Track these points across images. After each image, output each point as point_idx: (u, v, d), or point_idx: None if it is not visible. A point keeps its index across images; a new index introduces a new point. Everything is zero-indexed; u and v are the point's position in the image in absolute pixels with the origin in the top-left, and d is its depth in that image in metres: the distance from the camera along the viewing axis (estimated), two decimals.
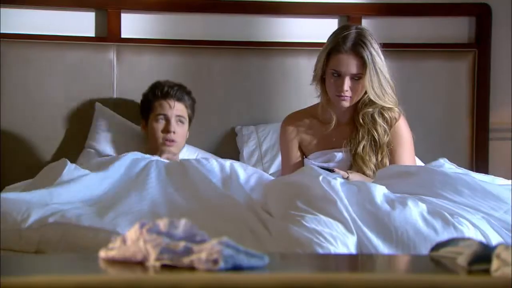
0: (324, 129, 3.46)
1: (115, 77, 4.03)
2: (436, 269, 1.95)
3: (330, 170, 3.17)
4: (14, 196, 2.98)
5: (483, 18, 4.27)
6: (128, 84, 4.04)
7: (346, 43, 3.32)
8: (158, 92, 3.77)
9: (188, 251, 1.74)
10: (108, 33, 4.09)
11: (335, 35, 3.37)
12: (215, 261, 1.71)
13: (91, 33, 4.12)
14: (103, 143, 3.89)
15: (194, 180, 3.18)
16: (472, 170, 3.79)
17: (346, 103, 3.36)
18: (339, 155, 3.43)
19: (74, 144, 3.95)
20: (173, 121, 3.74)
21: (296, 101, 3.95)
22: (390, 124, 3.41)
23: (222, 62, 4.12)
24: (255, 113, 4.12)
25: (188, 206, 3.01)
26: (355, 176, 3.28)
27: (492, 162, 4.24)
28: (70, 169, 3.23)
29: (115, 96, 4.03)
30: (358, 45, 3.31)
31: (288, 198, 2.79)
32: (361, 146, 3.38)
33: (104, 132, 3.91)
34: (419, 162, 3.71)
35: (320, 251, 2.55)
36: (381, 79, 3.32)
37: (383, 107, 3.38)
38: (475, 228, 2.69)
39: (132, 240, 1.81)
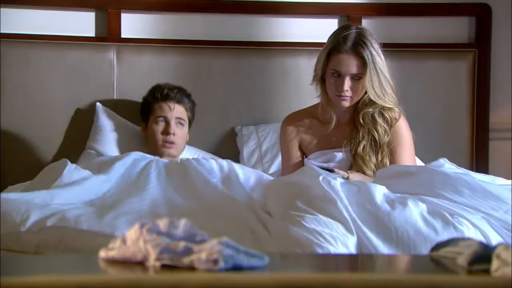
0: (324, 129, 3.46)
1: (115, 77, 4.03)
2: (436, 269, 1.95)
3: (330, 170, 3.17)
4: (14, 196, 2.98)
5: (483, 18, 4.27)
6: (128, 84, 4.04)
7: (346, 43, 3.32)
8: (158, 95, 3.78)
9: (188, 251, 1.74)
10: (108, 33, 4.09)
11: (335, 35, 3.37)
12: (215, 261, 1.71)
13: (91, 33, 4.12)
14: (104, 144, 3.89)
15: (194, 180, 3.18)
16: (472, 170, 3.79)
17: (346, 103, 3.36)
18: (339, 155, 3.43)
19: (75, 145, 3.95)
20: (172, 123, 3.75)
21: (296, 101, 3.95)
22: (390, 124, 3.41)
23: (222, 62, 4.12)
24: (255, 113, 4.12)
25: (188, 206, 3.01)
26: (355, 176, 3.28)
27: (492, 162, 4.24)
28: (71, 169, 3.23)
29: (115, 95, 4.03)
30: (359, 45, 3.31)
31: (288, 198, 2.79)
32: (361, 146, 3.38)
33: (104, 133, 3.90)
34: (419, 162, 3.71)
35: (320, 251, 2.55)
36: (381, 79, 3.32)
37: (383, 107, 3.38)
38: (475, 228, 2.69)
39: (132, 240, 1.81)
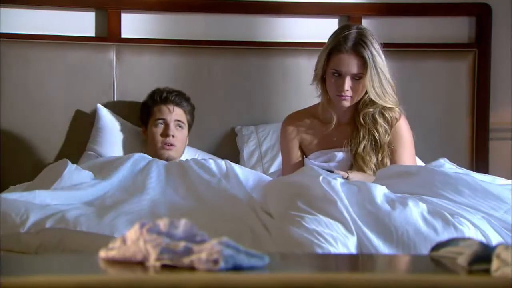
0: (325, 129, 3.46)
1: (115, 77, 4.03)
2: (436, 269, 1.95)
3: (330, 171, 3.17)
4: (14, 196, 2.98)
5: (483, 18, 4.27)
6: (128, 84, 4.04)
7: (347, 43, 3.31)
8: (157, 98, 3.81)
9: (188, 251, 1.74)
10: (108, 33, 4.09)
11: (335, 35, 3.37)
12: (215, 261, 1.71)
13: (91, 33, 4.12)
14: (104, 145, 3.89)
15: (194, 180, 3.18)
16: (472, 170, 3.78)
17: (347, 103, 3.36)
18: (339, 155, 3.43)
19: (75, 145, 3.95)
20: (172, 125, 3.77)
21: (296, 101, 3.95)
22: (391, 124, 3.41)
23: (222, 62, 4.12)
24: (255, 113, 4.12)
25: (188, 206, 3.01)
26: (355, 176, 3.27)
27: (492, 162, 4.25)
28: (71, 169, 3.24)
29: (115, 96, 4.03)
30: (359, 45, 3.31)
31: (288, 198, 2.79)
32: (361, 146, 3.38)
33: (105, 134, 3.91)
34: (419, 162, 3.71)
35: (320, 252, 2.55)
36: (382, 79, 3.32)
37: (383, 107, 3.38)
38: (476, 228, 2.69)
39: (132, 240, 1.81)
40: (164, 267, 1.75)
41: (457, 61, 4.24)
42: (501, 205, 2.80)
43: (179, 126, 3.80)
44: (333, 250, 2.56)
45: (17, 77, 3.95)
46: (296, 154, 3.52)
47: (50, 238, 2.71)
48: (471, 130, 4.22)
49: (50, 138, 3.95)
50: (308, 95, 3.64)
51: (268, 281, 1.67)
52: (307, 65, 3.80)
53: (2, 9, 3.99)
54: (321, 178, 2.80)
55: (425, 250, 2.55)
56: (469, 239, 2.06)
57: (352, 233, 2.63)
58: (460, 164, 3.47)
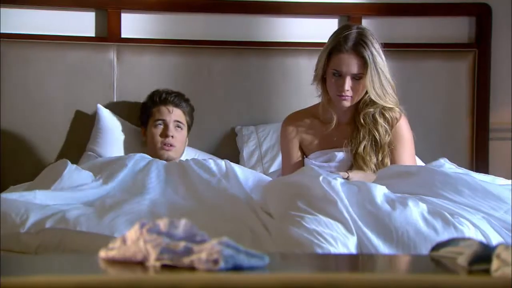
0: (325, 129, 3.46)
1: (115, 77, 4.03)
2: (437, 269, 1.95)
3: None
4: (14, 196, 2.98)
5: (483, 18, 4.27)
6: (128, 84, 4.04)
7: (347, 43, 3.31)
8: (157, 99, 3.82)
9: (188, 251, 1.74)
10: (108, 33, 4.09)
11: (336, 35, 3.37)
12: (215, 261, 1.70)
13: (91, 33, 4.12)
14: (104, 146, 3.89)
15: (194, 180, 3.18)
16: (472, 170, 3.78)
17: (347, 103, 3.35)
18: (339, 154, 3.42)
19: (75, 145, 3.95)
20: (171, 126, 3.78)
21: (296, 101, 3.95)
22: (391, 124, 3.41)
23: (222, 62, 4.12)
24: (255, 113, 4.12)
25: (188, 206, 3.01)
26: (355, 175, 3.27)
27: (492, 162, 4.25)
28: (71, 169, 3.24)
29: (115, 96, 4.03)
30: (359, 45, 3.31)
31: (288, 198, 2.79)
32: (362, 146, 3.38)
33: (105, 135, 3.91)
34: (419, 162, 3.71)
35: (320, 252, 2.55)
36: (382, 79, 3.32)
37: (384, 107, 3.38)
38: (476, 228, 2.69)
39: (132, 240, 1.81)
40: (164, 267, 1.75)
41: (457, 61, 4.24)
42: (501, 205, 2.80)
43: (179, 126, 3.81)
44: (333, 250, 2.56)
45: (17, 77, 3.95)
46: (296, 154, 3.51)
47: (50, 238, 2.71)
48: (471, 130, 4.22)
49: (50, 138, 3.95)
50: (308, 95, 3.64)
51: (268, 281, 1.67)
52: (307, 65, 3.80)
53: (2, 9, 3.99)
54: (321, 178, 2.80)
55: (425, 250, 2.55)
56: (469, 239, 2.06)
57: (352, 233, 2.63)
58: (460, 164, 3.46)
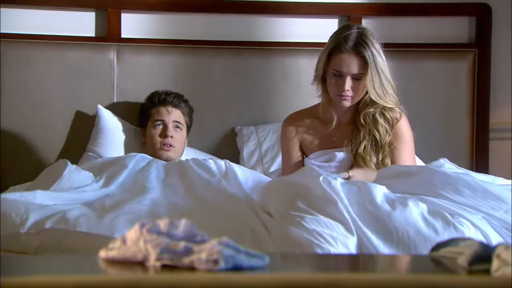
0: (325, 129, 3.46)
1: (115, 77, 4.03)
2: (437, 269, 1.95)
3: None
4: (14, 196, 2.98)
5: (483, 18, 4.27)
6: (128, 84, 4.04)
7: (347, 43, 3.31)
8: (156, 100, 3.84)
9: (188, 251, 1.74)
10: (108, 33, 4.09)
11: (336, 35, 3.37)
12: (215, 261, 1.70)
13: (91, 33, 4.12)
14: (104, 147, 3.89)
15: (193, 180, 3.18)
16: (472, 170, 3.78)
17: (347, 103, 3.35)
18: (340, 154, 3.42)
19: (76, 146, 3.95)
20: (170, 126, 3.78)
21: (296, 101, 3.95)
22: (392, 124, 3.41)
23: (222, 62, 4.12)
24: (255, 113, 4.12)
25: (188, 206, 3.01)
26: (357, 173, 3.27)
27: (492, 162, 4.24)
28: (71, 170, 3.24)
29: (115, 96, 4.03)
30: (360, 45, 3.31)
31: (288, 198, 2.79)
32: (362, 146, 3.38)
33: (106, 136, 3.91)
34: (419, 162, 3.71)
35: (320, 252, 2.55)
36: (382, 79, 3.32)
37: (384, 107, 3.38)
38: (476, 228, 2.69)
39: (132, 240, 1.81)
40: (164, 267, 1.75)
41: (457, 61, 4.24)
42: (501, 205, 2.80)
43: (178, 127, 3.81)
44: (333, 250, 2.56)
45: (17, 77, 3.95)
46: (296, 154, 3.52)
47: (50, 238, 2.71)
48: (471, 130, 4.22)
49: (50, 139, 3.95)
50: (308, 95, 3.64)
51: (268, 281, 1.67)
52: (307, 65, 3.80)
53: (2, 9, 3.99)
54: (321, 178, 2.80)
55: (425, 250, 2.55)
56: (469, 239, 2.06)
57: (352, 233, 2.63)
58: (460, 164, 3.46)
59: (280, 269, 1.89)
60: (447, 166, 3.18)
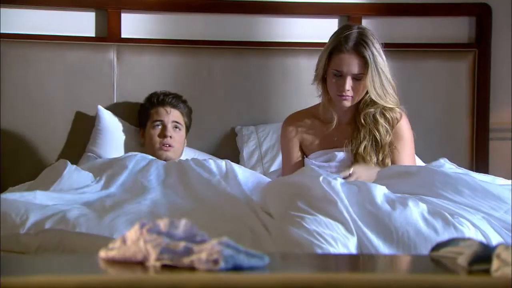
0: (325, 129, 3.46)
1: (115, 77, 4.03)
2: (437, 269, 1.95)
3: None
4: (14, 196, 2.98)
5: (483, 18, 4.27)
6: (128, 84, 4.04)
7: (348, 43, 3.31)
8: (154, 100, 3.85)
9: (188, 251, 1.74)
10: (108, 33, 4.09)
11: (336, 35, 3.37)
12: (215, 261, 1.70)
13: (91, 33, 4.12)
14: (104, 147, 3.89)
15: (194, 180, 3.18)
16: (472, 170, 3.78)
17: (348, 103, 3.35)
18: (340, 154, 3.42)
19: (76, 146, 3.95)
20: (169, 126, 3.79)
21: (296, 101, 3.95)
22: (392, 124, 3.40)
23: (222, 62, 4.12)
24: (255, 113, 4.12)
25: (188, 206, 3.01)
26: (359, 168, 3.28)
27: (492, 162, 4.24)
28: (71, 170, 3.24)
29: (115, 96, 4.03)
30: (360, 45, 3.31)
31: (288, 198, 2.79)
32: (362, 146, 3.38)
33: (105, 136, 3.91)
34: (419, 162, 3.71)
35: (320, 252, 2.55)
36: (383, 79, 3.32)
37: (384, 107, 3.38)
38: (476, 228, 2.69)
39: (132, 240, 1.81)
40: (164, 267, 1.75)
41: (457, 61, 4.24)
42: (501, 205, 2.80)
43: (176, 127, 3.82)
44: (333, 251, 2.56)
45: (17, 77, 3.95)
46: (296, 155, 3.51)
47: (50, 239, 2.71)
48: (471, 130, 4.22)
49: (50, 139, 3.95)
50: (308, 95, 3.64)
51: (268, 281, 1.67)
52: (307, 65, 3.80)
53: (2, 9, 3.99)
54: (321, 178, 2.80)
55: (425, 250, 2.55)
56: (469, 239, 2.06)
57: (352, 234, 2.63)
58: (460, 164, 3.46)
59: (280, 269, 1.89)
60: (447, 166, 3.18)
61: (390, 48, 3.54)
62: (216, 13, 4.19)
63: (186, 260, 1.73)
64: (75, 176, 3.23)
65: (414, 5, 4.26)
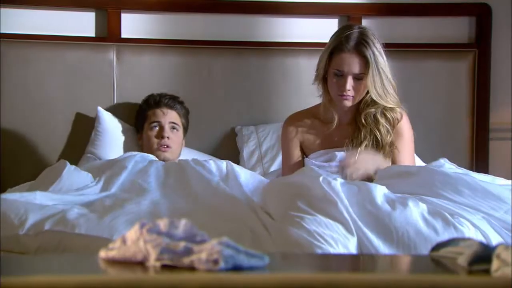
0: (326, 129, 3.46)
1: (115, 77, 4.03)
2: (437, 269, 1.95)
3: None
4: (13, 197, 2.97)
5: (483, 18, 4.27)
6: (128, 84, 4.04)
7: (349, 43, 3.31)
8: (151, 102, 3.86)
9: (188, 251, 1.74)
10: (108, 33, 4.09)
11: (337, 35, 3.36)
12: (215, 261, 1.70)
13: (91, 33, 4.12)
14: (104, 148, 3.89)
15: (193, 180, 3.18)
16: (472, 170, 3.79)
17: (348, 103, 3.35)
18: (340, 154, 3.42)
19: (76, 147, 3.94)
20: (166, 127, 3.80)
21: (296, 101, 3.95)
22: (393, 124, 3.40)
23: (222, 62, 4.12)
24: (255, 113, 4.12)
25: (188, 206, 3.00)
26: (363, 154, 3.28)
27: (492, 162, 4.24)
28: (70, 170, 3.24)
29: (115, 96, 4.03)
30: (361, 45, 3.30)
31: (288, 199, 2.79)
32: (363, 146, 3.37)
33: (105, 137, 3.91)
34: (419, 162, 3.71)
35: (320, 253, 2.55)
36: (383, 79, 3.32)
37: (385, 107, 3.38)
38: (476, 228, 2.69)
39: (132, 240, 1.81)
40: (164, 267, 1.75)
41: (457, 61, 4.24)
42: (501, 205, 2.80)
43: (174, 128, 3.83)
44: (333, 251, 2.56)
45: (17, 77, 3.95)
46: (297, 155, 3.51)
47: (49, 240, 2.70)
48: (471, 130, 4.22)
49: (50, 139, 3.95)
50: (308, 95, 3.64)
51: (268, 281, 1.67)
52: (307, 65, 3.80)
53: (2, 9, 3.99)
54: (321, 178, 2.80)
55: (425, 250, 2.55)
56: (469, 239, 2.06)
57: (352, 234, 2.63)
58: (460, 164, 3.46)
59: (280, 269, 1.89)
60: (447, 166, 3.18)
61: (390, 48, 3.53)
62: (216, 13, 4.19)
63: (186, 260, 1.73)
64: (74, 176, 3.22)
65: (414, 5, 4.26)
